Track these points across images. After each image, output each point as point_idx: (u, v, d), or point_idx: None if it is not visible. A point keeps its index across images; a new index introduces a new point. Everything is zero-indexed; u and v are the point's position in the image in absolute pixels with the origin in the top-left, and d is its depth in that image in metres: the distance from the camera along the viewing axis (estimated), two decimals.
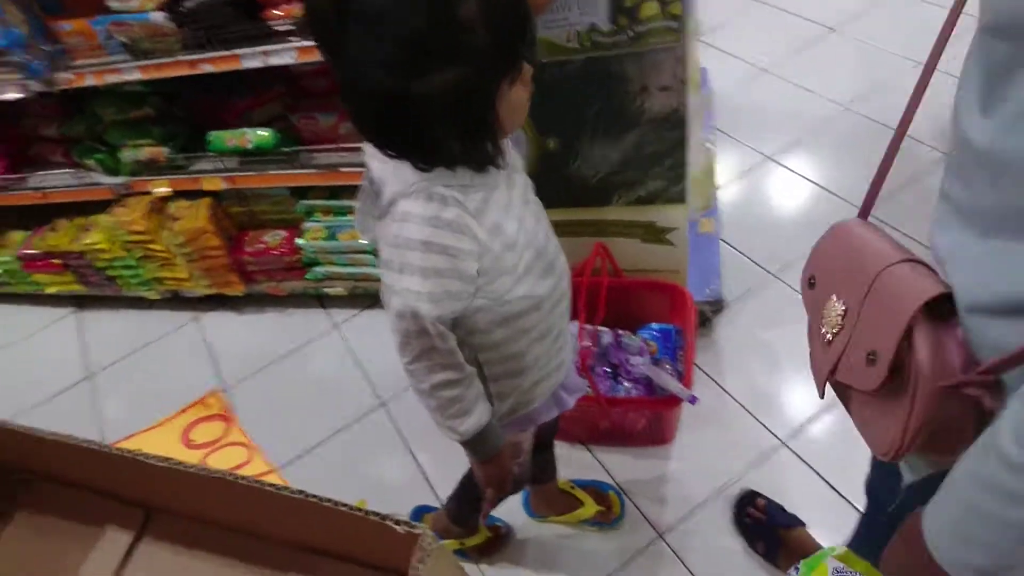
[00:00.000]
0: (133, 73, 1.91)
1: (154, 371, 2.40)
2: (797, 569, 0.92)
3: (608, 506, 1.67)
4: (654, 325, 1.87)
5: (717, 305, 2.02)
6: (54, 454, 0.62)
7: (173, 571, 0.51)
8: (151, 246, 2.31)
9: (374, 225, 0.97)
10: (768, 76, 2.79)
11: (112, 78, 1.94)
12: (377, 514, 0.53)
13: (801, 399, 1.82)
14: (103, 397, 2.38)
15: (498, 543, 1.67)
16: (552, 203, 1.69)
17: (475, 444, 1.04)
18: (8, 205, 2.45)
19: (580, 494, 1.67)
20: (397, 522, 0.51)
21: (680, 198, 1.66)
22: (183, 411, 0.54)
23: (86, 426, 2.27)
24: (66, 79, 1.96)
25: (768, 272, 2.13)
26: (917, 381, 0.63)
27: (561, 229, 1.73)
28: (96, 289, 2.60)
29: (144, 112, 2.17)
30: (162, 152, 2.17)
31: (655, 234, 1.75)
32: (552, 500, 1.67)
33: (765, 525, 1.58)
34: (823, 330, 0.76)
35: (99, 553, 0.53)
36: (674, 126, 1.53)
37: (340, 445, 2.02)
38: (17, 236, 2.61)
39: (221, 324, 2.50)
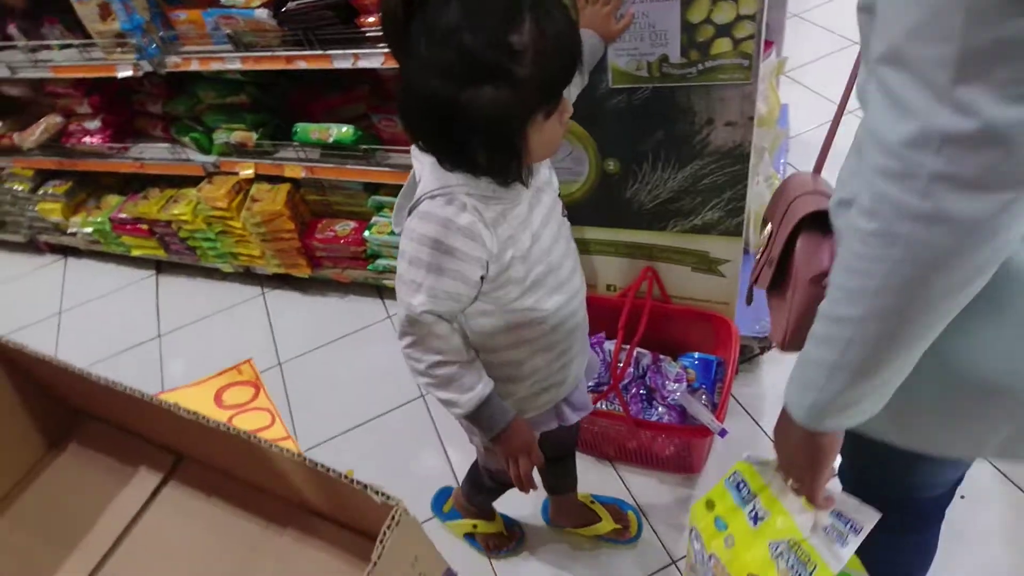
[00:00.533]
0: (234, 63, 2.05)
1: (218, 338, 2.56)
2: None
3: (626, 525, 1.69)
4: (696, 354, 1.87)
5: (765, 342, 2.00)
6: (103, 397, 0.69)
7: (190, 512, 0.57)
8: (230, 223, 2.47)
9: (404, 219, 1.02)
10: (849, 117, 2.74)
11: (215, 65, 2.08)
12: (361, 483, 0.58)
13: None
14: (169, 356, 2.55)
15: (510, 541, 1.72)
16: (607, 223, 1.76)
17: (481, 418, 1.04)
18: (109, 171, 2.66)
19: (599, 509, 1.69)
20: (377, 492, 0.56)
21: (736, 231, 1.67)
22: (220, 374, 0.60)
23: (151, 380, 2.44)
24: (174, 62, 2.13)
25: None
26: (796, 277, 0.82)
27: (614, 249, 1.80)
28: (176, 256, 2.78)
29: (240, 99, 2.32)
30: (251, 137, 2.31)
31: (707, 264, 1.76)
32: (570, 511, 1.69)
33: None
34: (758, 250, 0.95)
35: (131, 489, 0.60)
36: (736, 160, 1.54)
37: (375, 430, 2.10)
38: (113, 200, 2.82)
39: (285, 302, 2.64)
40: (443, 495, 1.82)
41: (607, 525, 1.67)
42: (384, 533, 0.52)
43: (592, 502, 1.71)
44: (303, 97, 2.32)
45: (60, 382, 0.75)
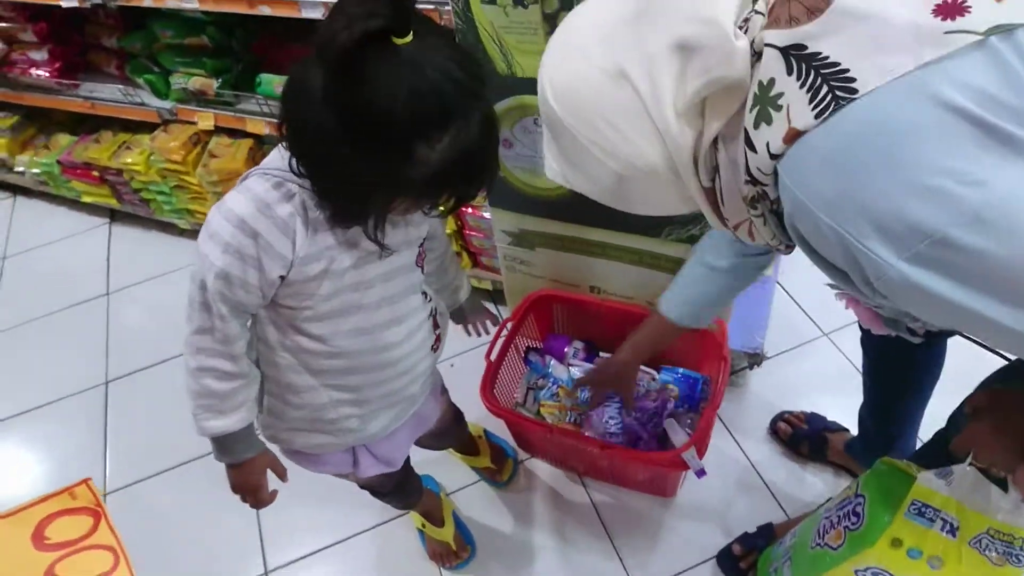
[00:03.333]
0: (191, 1, 1.81)
1: (170, 299, 2.36)
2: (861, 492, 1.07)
3: (500, 468, 1.72)
4: (680, 369, 1.73)
5: (755, 358, 1.85)
6: None
7: None
8: (186, 178, 2.25)
9: None
10: None
11: (171, 2, 1.85)
12: None
13: (820, 481, 1.66)
14: (117, 315, 2.37)
15: (455, 558, 1.60)
16: (597, 224, 1.58)
17: (217, 444, 0.98)
18: (57, 108, 2.41)
19: (483, 446, 1.71)
20: None
21: None
22: (44, 499, 0.46)
23: (96, 340, 2.27)
24: None
25: (821, 331, 1.96)
26: None
27: (604, 252, 1.62)
28: (129, 207, 2.57)
29: (200, 40, 2.08)
30: (212, 85, 2.09)
31: None
32: (459, 437, 1.65)
33: (808, 430, 1.68)
34: None
35: None
36: None
37: None
38: (64, 140, 2.59)
39: None
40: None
41: (483, 462, 1.71)
42: None
43: (480, 437, 1.72)
44: (269, 44, 2.08)
45: None
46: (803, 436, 1.68)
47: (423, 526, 1.61)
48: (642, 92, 0.69)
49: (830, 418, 1.70)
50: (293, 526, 1.74)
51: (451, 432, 1.52)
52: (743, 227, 0.79)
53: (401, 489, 1.44)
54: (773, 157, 0.65)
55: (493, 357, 1.64)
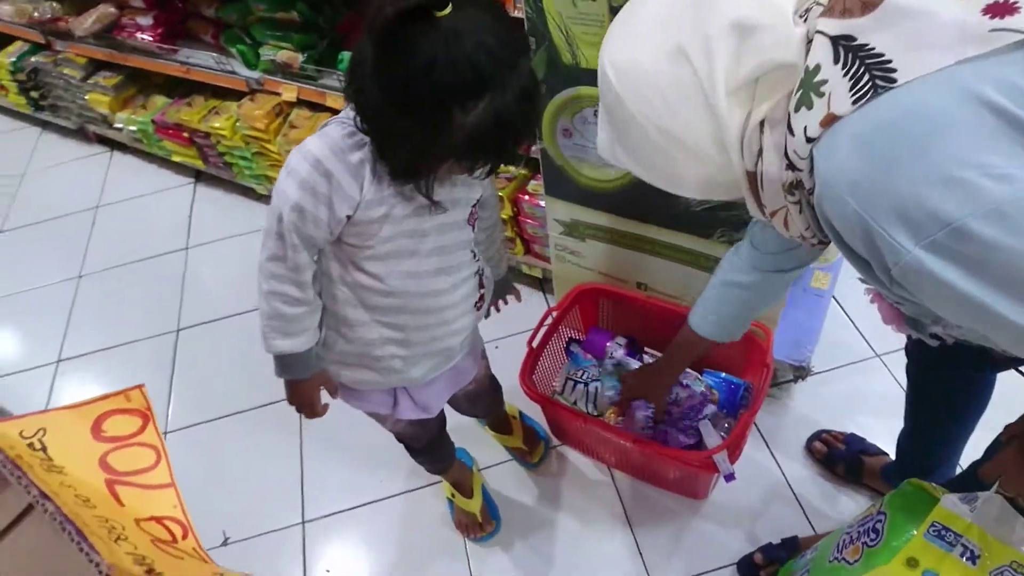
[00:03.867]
0: None
1: (244, 259, 2.51)
2: (883, 510, 1.06)
3: (531, 450, 1.76)
4: (722, 373, 1.72)
5: (801, 371, 1.83)
6: None
7: (47, 555, 0.50)
8: (266, 145, 2.37)
9: None
10: None
11: None
12: None
13: (853, 503, 1.63)
14: (193, 269, 2.52)
15: (479, 530, 1.65)
16: (650, 220, 1.59)
17: (280, 362, 1.08)
18: (156, 71, 2.58)
19: (516, 427, 1.76)
20: None
21: None
22: (104, 398, 0.52)
23: (171, 291, 2.43)
24: None
25: (874, 352, 1.91)
26: None
27: (654, 248, 1.63)
28: (213, 169, 2.72)
29: (290, 16, 2.19)
30: (297, 59, 2.19)
31: None
32: (496, 416, 1.74)
33: (845, 451, 1.65)
34: None
35: None
36: None
37: None
38: (160, 101, 2.76)
39: None
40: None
41: (515, 442, 1.76)
42: None
43: (515, 418, 1.77)
44: (353, 23, 2.17)
45: None
46: (840, 456, 1.65)
47: (452, 495, 1.66)
48: (698, 69, 0.71)
49: (871, 443, 1.67)
50: (333, 483, 1.83)
51: (486, 398, 1.57)
52: (779, 215, 0.80)
53: (434, 448, 1.51)
54: (809, 140, 0.67)
55: (535, 344, 1.68)
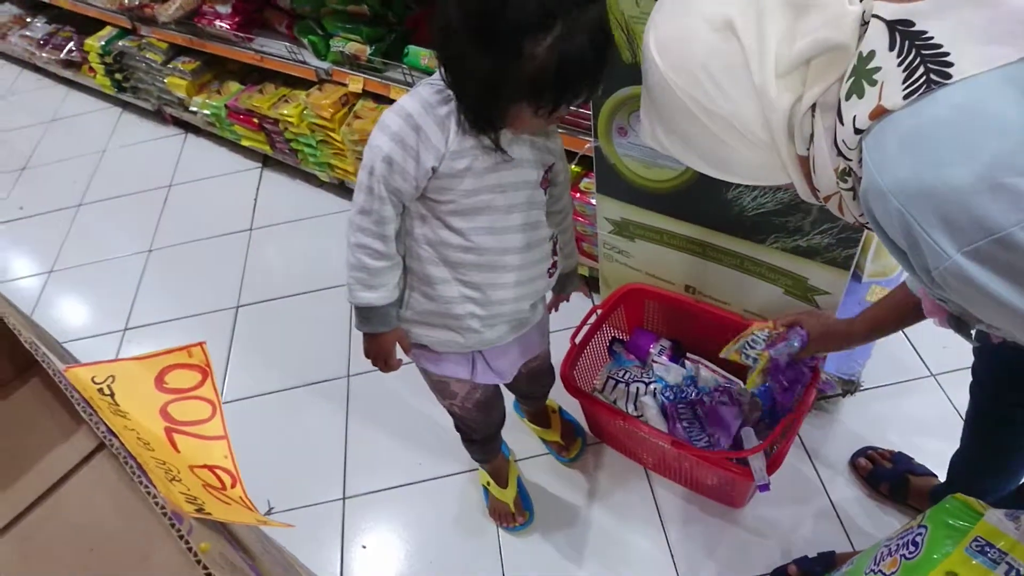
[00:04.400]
0: None
1: (303, 243, 2.60)
2: (924, 523, 1.03)
3: (567, 445, 1.78)
4: (768, 383, 1.70)
5: (850, 385, 1.79)
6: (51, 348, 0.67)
7: (110, 489, 0.54)
8: (331, 134, 2.45)
9: None
10: None
11: None
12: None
13: (896, 521, 1.59)
14: (256, 249, 2.62)
15: (512, 519, 1.68)
16: (701, 221, 1.59)
17: (361, 314, 1.14)
18: (232, 58, 2.69)
19: (555, 421, 1.79)
20: None
21: (845, 264, 1.46)
22: (168, 352, 0.56)
23: (234, 269, 2.53)
24: None
25: (929, 371, 1.85)
26: None
27: (704, 252, 1.63)
28: (280, 155, 2.82)
29: (361, 9, 2.26)
30: (365, 51, 2.25)
31: (802, 291, 1.56)
32: (535, 407, 1.78)
33: (891, 470, 1.61)
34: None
35: (67, 447, 0.57)
36: None
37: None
38: (233, 87, 2.87)
39: None
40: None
41: (553, 435, 1.78)
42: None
43: (554, 412, 1.80)
44: (421, 18, 2.22)
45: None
46: (885, 475, 1.61)
47: (488, 484, 1.69)
48: (746, 47, 0.69)
49: (919, 463, 1.62)
50: (375, 461, 1.88)
51: (545, 377, 1.61)
52: (833, 200, 0.78)
53: (488, 441, 1.57)
54: (858, 132, 0.65)
55: (578, 340, 1.69)
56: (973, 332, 0.94)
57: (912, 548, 1.04)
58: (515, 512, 1.67)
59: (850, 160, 0.68)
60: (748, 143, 0.75)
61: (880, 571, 1.11)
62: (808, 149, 0.73)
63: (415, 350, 1.26)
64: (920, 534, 1.04)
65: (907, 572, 1.02)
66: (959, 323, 0.94)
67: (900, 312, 1.18)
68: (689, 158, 0.83)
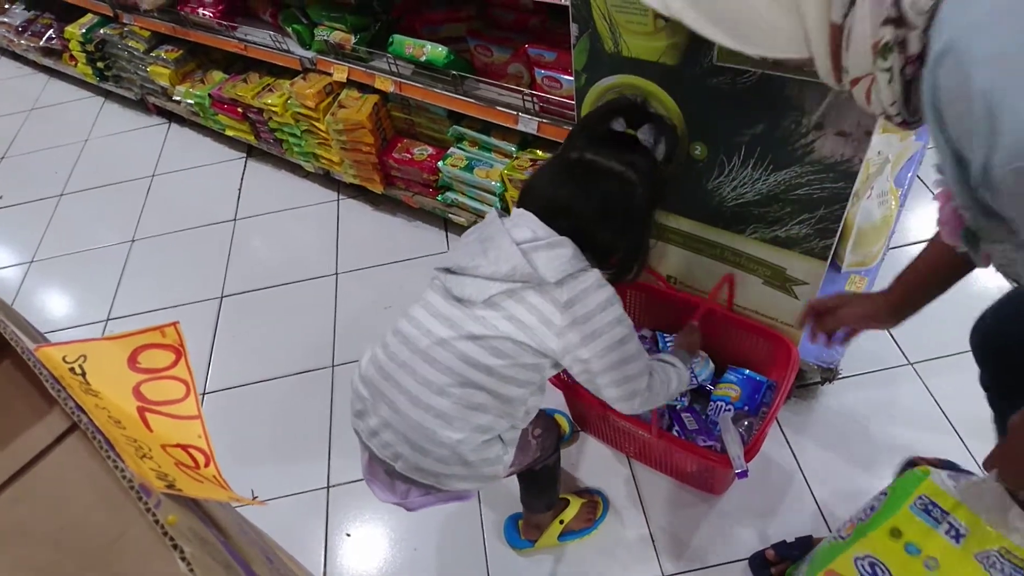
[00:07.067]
0: None
1: (287, 233, 2.59)
2: (886, 491, 1.07)
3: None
4: (746, 371, 1.72)
5: (829, 373, 1.81)
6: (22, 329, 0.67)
7: (84, 471, 0.54)
8: (315, 123, 2.44)
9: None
10: None
11: None
12: None
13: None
14: (240, 239, 2.61)
15: (598, 507, 1.67)
16: (682, 211, 1.60)
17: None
18: (215, 46, 2.67)
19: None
20: None
21: (822, 254, 1.48)
22: (141, 332, 0.56)
23: (218, 259, 2.52)
24: None
25: (908, 361, 1.88)
26: None
27: (684, 242, 1.64)
28: (264, 145, 2.81)
29: None
30: (350, 40, 2.24)
31: (781, 280, 1.58)
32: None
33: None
34: None
35: (40, 427, 0.58)
36: (841, 177, 1.34)
37: None
38: (217, 76, 2.85)
39: (356, 213, 2.63)
40: (512, 523, 1.70)
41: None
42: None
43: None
44: (407, 8, 2.21)
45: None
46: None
47: (561, 522, 1.63)
48: None
49: (901, 451, 1.64)
50: (358, 451, 1.88)
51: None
52: (861, 84, 0.67)
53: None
54: None
55: None
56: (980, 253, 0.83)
57: (869, 511, 1.06)
58: (595, 499, 1.68)
59: (912, 27, 0.58)
60: (778, 3, 0.65)
61: (840, 536, 1.13)
62: (845, 16, 0.63)
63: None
64: (880, 499, 1.06)
65: (859, 533, 1.05)
66: (971, 238, 0.82)
67: (942, 265, 1.04)
68: (703, 21, 0.73)
